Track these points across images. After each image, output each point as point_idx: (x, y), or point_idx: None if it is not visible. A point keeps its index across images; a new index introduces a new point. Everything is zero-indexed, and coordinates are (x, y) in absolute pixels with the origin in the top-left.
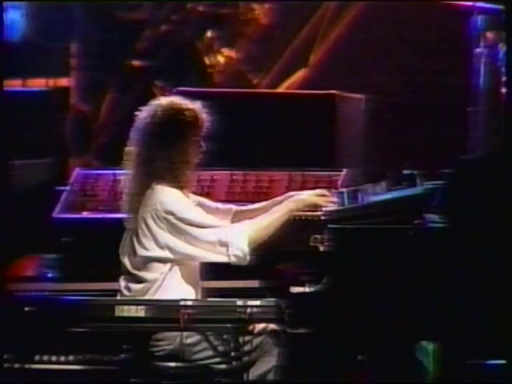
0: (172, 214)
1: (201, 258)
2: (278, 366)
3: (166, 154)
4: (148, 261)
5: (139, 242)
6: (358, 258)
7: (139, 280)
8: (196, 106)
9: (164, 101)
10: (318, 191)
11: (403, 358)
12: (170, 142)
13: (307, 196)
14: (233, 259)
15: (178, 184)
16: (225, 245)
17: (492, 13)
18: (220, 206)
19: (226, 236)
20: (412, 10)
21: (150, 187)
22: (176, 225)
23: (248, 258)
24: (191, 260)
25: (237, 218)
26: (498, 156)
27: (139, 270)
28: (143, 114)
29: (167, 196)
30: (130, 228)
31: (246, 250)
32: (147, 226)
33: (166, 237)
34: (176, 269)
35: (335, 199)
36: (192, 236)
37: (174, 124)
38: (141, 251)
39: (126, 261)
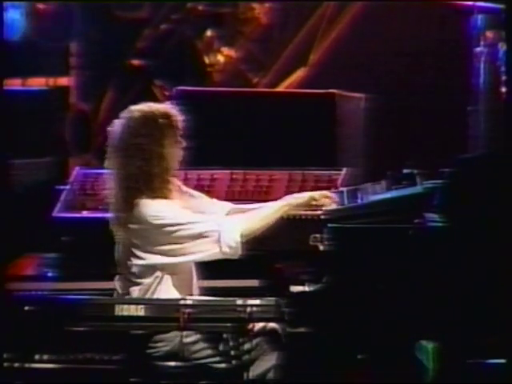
0: (161, 224)
1: (195, 258)
2: (277, 366)
3: (147, 167)
4: (143, 268)
5: (132, 253)
6: (357, 257)
7: (135, 283)
8: (167, 107)
9: (136, 112)
10: (320, 192)
11: (403, 358)
12: (151, 155)
13: (307, 194)
14: (225, 249)
15: (162, 194)
16: (217, 234)
17: (492, 12)
18: (215, 200)
19: (218, 225)
20: (412, 10)
21: (134, 202)
22: (166, 232)
23: (240, 249)
24: (186, 263)
25: (232, 215)
26: (497, 156)
27: (134, 274)
28: (116, 128)
29: (154, 209)
30: (120, 239)
31: (238, 239)
32: (138, 239)
33: (158, 247)
34: (171, 272)
35: (336, 201)
36: (183, 236)
37: (154, 135)
38: (135, 261)
39: (121, 267)
